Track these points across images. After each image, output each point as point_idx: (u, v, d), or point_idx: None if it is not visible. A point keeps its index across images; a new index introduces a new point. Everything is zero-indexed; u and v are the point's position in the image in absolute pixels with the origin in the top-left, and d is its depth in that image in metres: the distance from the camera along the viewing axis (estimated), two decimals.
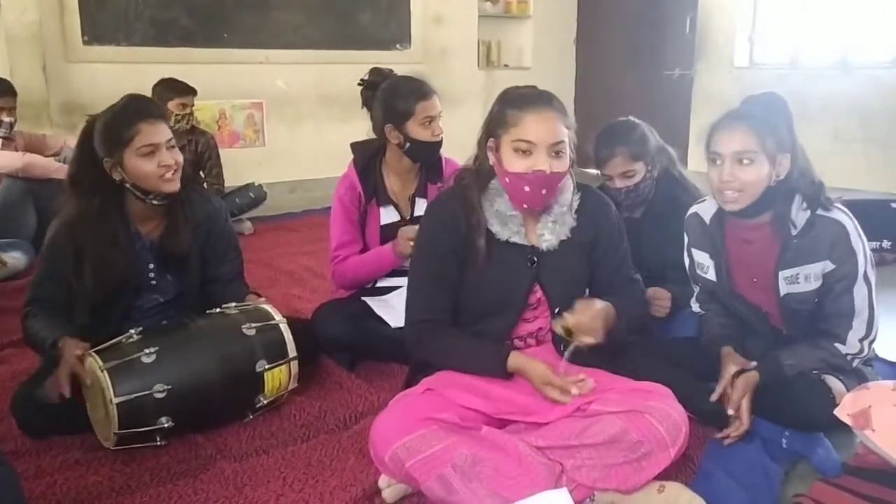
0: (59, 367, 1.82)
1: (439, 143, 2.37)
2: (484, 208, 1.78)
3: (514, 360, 1.71)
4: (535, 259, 1.79)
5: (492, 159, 1.76)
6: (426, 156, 2.39)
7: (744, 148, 1.80)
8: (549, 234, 1.79)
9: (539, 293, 1.81)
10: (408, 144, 2.33)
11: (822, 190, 1.86)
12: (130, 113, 1.91)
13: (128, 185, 1.94)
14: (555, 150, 1.69)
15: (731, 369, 1.88)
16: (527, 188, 1.70)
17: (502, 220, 1.78)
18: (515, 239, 1.77)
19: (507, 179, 1.73)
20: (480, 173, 1.81)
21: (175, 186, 1.96)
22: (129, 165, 1.91)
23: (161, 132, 1.92)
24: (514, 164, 1.70)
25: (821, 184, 1.86)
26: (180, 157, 1.96)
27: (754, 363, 1.89)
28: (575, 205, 1.82)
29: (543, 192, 1.72)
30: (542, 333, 1.86)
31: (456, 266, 1.78)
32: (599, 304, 1.70)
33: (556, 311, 1.72)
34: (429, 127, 2.32)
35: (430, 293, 1.80)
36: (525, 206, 1.75)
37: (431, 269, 1.80)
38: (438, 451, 1.55)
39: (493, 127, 1.75)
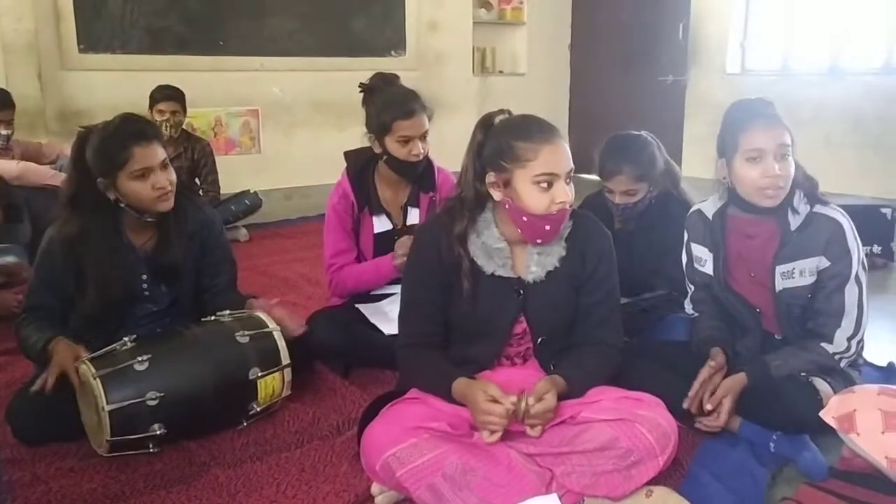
0: (50, 365, 1.85)
1: (416, 164, 2.35)
2: (470, 241, 1.75)
3: (459, 386, 1.67)
4: (521, 291, 1.77)
5: (498, 196, 1.70)
6: (403, 172, 2.38)
7: (786, 141, 1.84)
8: (535, 266, 1.75)
9: (524, 323, 1.80)
10: (385, 157, 2.35)
11: (816, 185, 1.90)
12: (123, 135, 1.90)
13: (122, 205, 1.95)
14: (570, 178, 1.68)
15: (706, 371, 1.90)
16: (548, 227, 1.68)
17: (488, 253, 1.75)
18: (501, 272, 1.75)
19: (524, 219, 1.68)
20: (465, 203, 1.76)
21: (169, 206, 1.97)
22: (123, 188, 1.92)
23: (154, 154, 1.92)
24: (536, 199, 1.65)
25: (815, 179, 1.91)
26: (174, 176, 1.97)
27: (723, 361, 1.92)
28: (566, 232, 1.77)
29: (562, 225, 1.72)
30: (528, 353, 1.86)
31: (440, 293, 1.78)
32: (554, 399, 1.62)
33: (524, 393, 1.62)
34: (405, 146, 2.31)
35: (415, 319, 1.81)
36: (539, 241, 1.74)
37: (416, 295, 1.82)
38: (429, 461, 1.56)
39: (496, 160, 1.68)
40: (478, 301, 1.76)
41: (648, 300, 2.30)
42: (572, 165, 1.67)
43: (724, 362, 1.92)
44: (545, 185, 1.64)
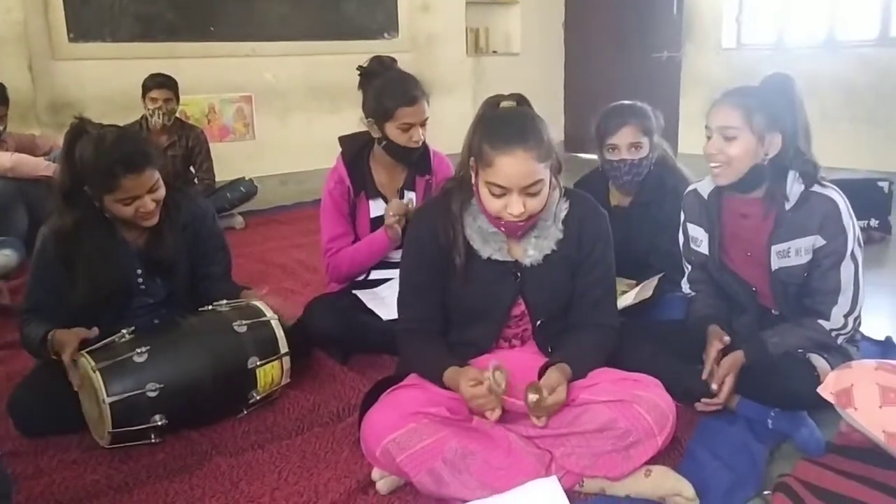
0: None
1: (415, 150, 2.36)
2: (466, 223, 1.76)
3: (448, 375, 1.68)
4: (519, 274, 1.77)
5: (473, 179, 1.71)
6: (401, 157, 2.39)
7: (726, 123, 1.86)
8: (532, 249, 1.75)
9: (522, 306, 1.80)
10: (384, 142, 2.35)
11: (818, 170, 1.90)
12: (114, 162, 1.85)
13: (106, 215, 1.95)
14: (529, 191, 1.62)
15: (716, 345, 1.92)
16: (502, 228, 1.70)
17: (484, 237, 1.75)
18: (497, 256, 1.75)
19: (482, 211, 1.71)
20: (464, 185, 1.76)
21: (152, 222, 1.96)
22: (108, 206, 1.91)
23: (143, 183, 1.89)
24: (488, 201, 1.65)
25: (817, 164, 1.90)
26: (161, 194, 1.94)
27: (729, 339, 1.93)
28: (562, 214, 1.77)
29: (519, 233, 1.72)
30: (526, 335, 1.86)
31: (438, 276, 1.78)
32: (566, 391, 1.63)
33: (531, 385, 1.61)
34: (406, 132, 2.31)
35: (414, 302, 1.82)
36: (503, 231, 1.74)
37: (414, 280, 1.82)
38: (428, 446, 1.57)
39: (474, 151, 1.68)
40: (475, 284, 1.76)
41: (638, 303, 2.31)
42: (535, 179, 1.61)
43: (728, 339, 1.93)
44: (495, 194, 1.63)
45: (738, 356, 1.89)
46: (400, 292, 1.86)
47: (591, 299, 1.81)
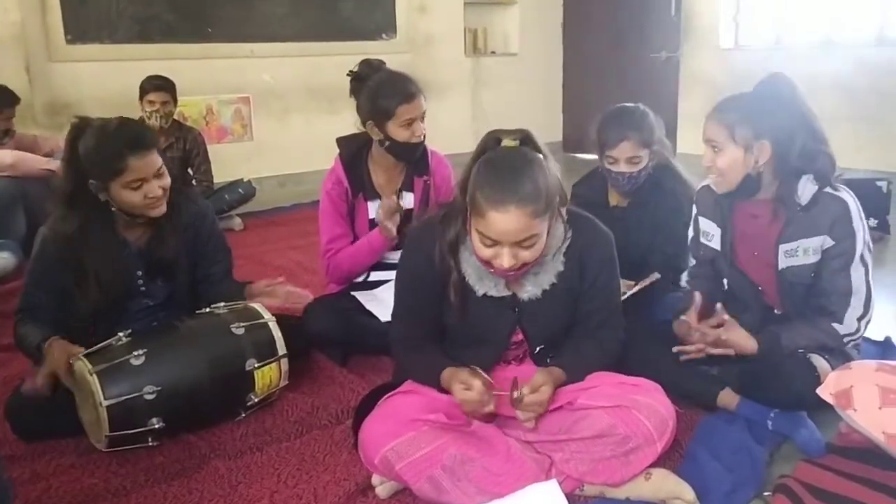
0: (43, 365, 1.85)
1: (419, 145, 2.36)
2: (462, 258, 1.68)
3: (445, 378, 1.66)
4: (517, 309, 1.73)
5: (468, 214, 1.61)
6: (405, 155, 2.39)
7: (710, 137, 1.91)
8: (531, 285, 1.69)
9: (521, 335, 1.77)
10: (387, 143, 2.34)
11: (834, 166, 1.89)
12: (120, 144, 1.86)
13: (113, 208, 1.94)
14: (522, 245, 1.54)
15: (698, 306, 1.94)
16: (492, 271, 1.63)
17: (479, 274, 1.68)
18: (493, 293, 1.69)
19: (474, 253, 1.64)
20: (458, 210, 1.67)
21: (161, 211, 1.96)
22: (115, 194, 1.90)
23: (150, 164, 1.89)
24: (479, 247, 1.57)
25: (832, 160, 1.89)
26: (168, 181, 1.95)
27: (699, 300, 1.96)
28: (564, 246, 1.70)
29: (511, 280, 1.68)
30: (525, 355, 1.83)
31: (434, 300, 1.73)
32: (549, 392, 1.61)
33: (515, 381, 1.60)
34: (409, 128, 2.31)
35: (408, 320, 1.80)
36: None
37: (409, 301, 1.79)
38: (427, 454, 1.56)
39: (468, 192, 1.57)
40: (470, 317, 1.73)
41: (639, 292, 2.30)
42: (531, 233, 1.53)
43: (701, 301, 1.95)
44: (487, 243, 1.55)
45: (751, 341, 1.88)
46: (394, 308, 1.84)
47: (595, 320, 1.78)
